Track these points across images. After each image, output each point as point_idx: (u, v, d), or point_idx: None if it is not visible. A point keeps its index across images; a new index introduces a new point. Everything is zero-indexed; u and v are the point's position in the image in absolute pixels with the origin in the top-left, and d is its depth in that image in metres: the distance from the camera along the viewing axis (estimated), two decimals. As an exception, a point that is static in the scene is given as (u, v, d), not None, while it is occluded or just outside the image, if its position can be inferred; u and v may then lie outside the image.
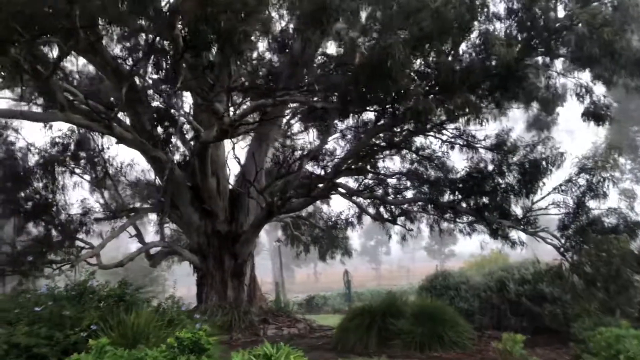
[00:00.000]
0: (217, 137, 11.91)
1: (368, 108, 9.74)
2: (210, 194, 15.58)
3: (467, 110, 8.67)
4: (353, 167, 15.78)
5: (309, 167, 15.20)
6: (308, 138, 17.67)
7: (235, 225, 16.20)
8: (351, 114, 10.25)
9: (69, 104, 12.00)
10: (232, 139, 12.81)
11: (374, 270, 75.55)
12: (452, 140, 13.19)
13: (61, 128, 15.25)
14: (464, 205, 12.56)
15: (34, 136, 15.55)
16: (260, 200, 14.60)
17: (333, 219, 20.33)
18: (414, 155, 15.54)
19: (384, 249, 79.00)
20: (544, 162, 11.54)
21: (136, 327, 8.29)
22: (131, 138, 13.60)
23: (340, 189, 14.49)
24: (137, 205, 16.46)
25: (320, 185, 13.46)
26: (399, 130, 13.97)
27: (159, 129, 14.25)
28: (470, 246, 15.77)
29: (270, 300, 17.90)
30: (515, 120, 16.21)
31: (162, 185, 15.79)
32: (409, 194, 14.69)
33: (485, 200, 12.16)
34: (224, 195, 16.06)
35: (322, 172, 13.04)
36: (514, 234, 12.72)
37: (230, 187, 16.26)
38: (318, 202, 21.34)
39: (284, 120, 16.66)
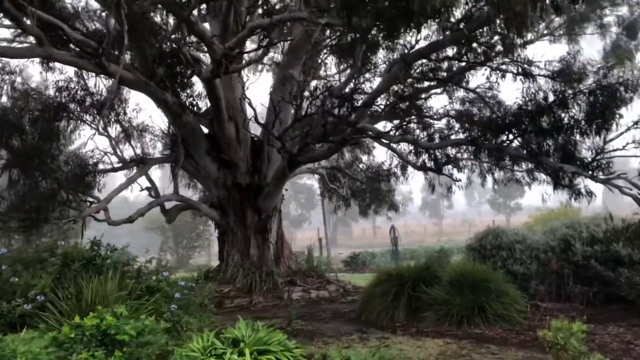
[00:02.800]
0: (212, 71, 10.02)
1: (378, 23, 7.45)
2: (229, 142, 13.93)
3: (509, 8, 6.26)
4: (393, 108, 13.64)
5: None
6: (339, 77, 15.61)
7: (258, 177, 14.57)
8: (356, 31, 7.98)
9: (52, 39, 10.50)
10: (236, 74, 10.89)
11: (434, 225, 72.99)
12: (503, 67, 10.65)
13: (66, 71, 13.90)
14: (516, 147, 10.06)
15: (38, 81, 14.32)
16: (278, 147, 12.76)
17: (374, 170, 18.30)
18: (461, 93, 13.18)
19: (446, 202, 76.17)
20: (621, 88, 8.86)
21: (94, 297, 6.87)
22: (133, 79, 12.09)
23: (369, 132, 12.34)
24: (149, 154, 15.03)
25: (337, 128, 11.30)
26: (439, 57, 11.62)
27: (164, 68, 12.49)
28: (539, 199, 13.22)
29: (303, 259, 16.24)
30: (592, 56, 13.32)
31: (174, 132, 14.26)
32: (452, 138, 12.32)
33: (543, 140, 9.62)
34: (244, 143, 14.39)
35: (342, 113, 10.85)
36: (581, 182, 10.17)
37: (250, 135, 14.52)
38: (359, 153, 19.42)
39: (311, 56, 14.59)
